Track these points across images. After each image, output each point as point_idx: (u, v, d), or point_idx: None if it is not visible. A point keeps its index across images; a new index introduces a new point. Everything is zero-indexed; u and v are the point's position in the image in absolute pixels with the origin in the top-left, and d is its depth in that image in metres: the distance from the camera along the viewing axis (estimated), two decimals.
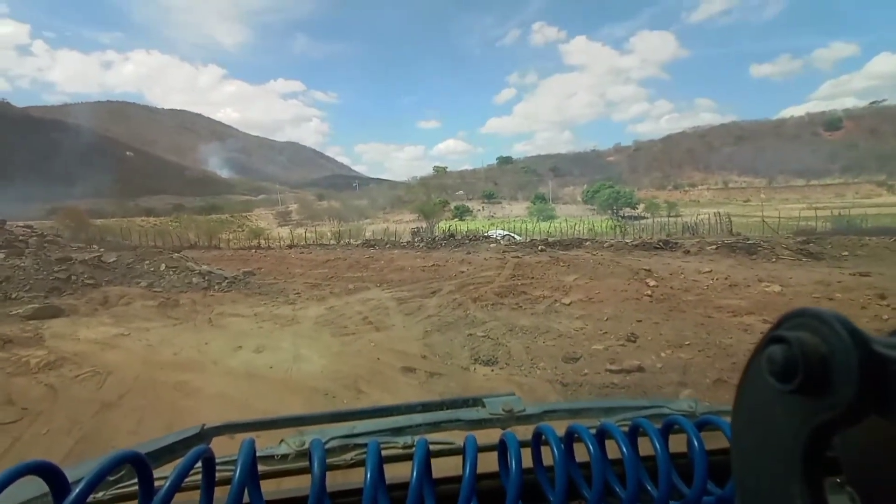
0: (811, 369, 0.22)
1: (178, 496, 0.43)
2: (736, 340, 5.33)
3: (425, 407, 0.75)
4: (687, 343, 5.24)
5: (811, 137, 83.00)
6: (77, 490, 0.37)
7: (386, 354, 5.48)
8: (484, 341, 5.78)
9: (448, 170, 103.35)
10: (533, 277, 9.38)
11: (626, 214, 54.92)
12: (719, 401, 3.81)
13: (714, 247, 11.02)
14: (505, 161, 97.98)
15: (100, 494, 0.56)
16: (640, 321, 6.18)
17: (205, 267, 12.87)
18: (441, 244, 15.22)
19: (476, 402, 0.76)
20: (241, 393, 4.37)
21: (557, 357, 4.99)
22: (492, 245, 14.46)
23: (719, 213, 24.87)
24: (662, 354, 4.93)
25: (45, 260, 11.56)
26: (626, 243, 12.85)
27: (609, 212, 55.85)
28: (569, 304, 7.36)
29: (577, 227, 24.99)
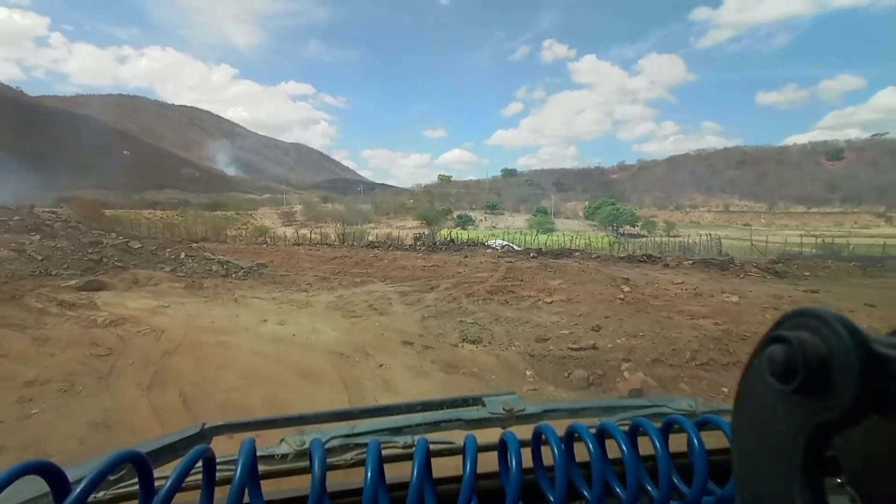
0: (811, 369, 0.22)
1: (179, 496, 0.44)
2: (683, 336, 6.40)
3: (425, 406, 0.76)
4: (641, 334, 6.31)
5: (813, 166, 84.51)
6: (78, 489, 0.38)
7: (389, 332, 6.56)
8: (472, 326, 6.85)
9: (452, 179, 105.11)
10: (522, 280, 10.47)
11: (625, 232, 55.97)
12: (658, 379, 5.02)
13: (691, 262, 12.11)
14: (509, 173, 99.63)
15: (100, 494, 0.56)
16: (608, 317, 7.25)
17: (221, 257, 13.99)
18: (441, 248, 16.35)
19: (476, 401, 0.76)
20: (271, 350, 5.44)
21: (531, 339, 6.07)
22: (488, 251, 15.60)
23: (710, 234, 26.00)
24: (618, 341, 6.00)
25: (80, 242, 12.71)
26: (613, 255, 13.96)
27: (609, 228, 56.92)
28: (550, 303, 8.44)
29: (574, 241, 26.10)
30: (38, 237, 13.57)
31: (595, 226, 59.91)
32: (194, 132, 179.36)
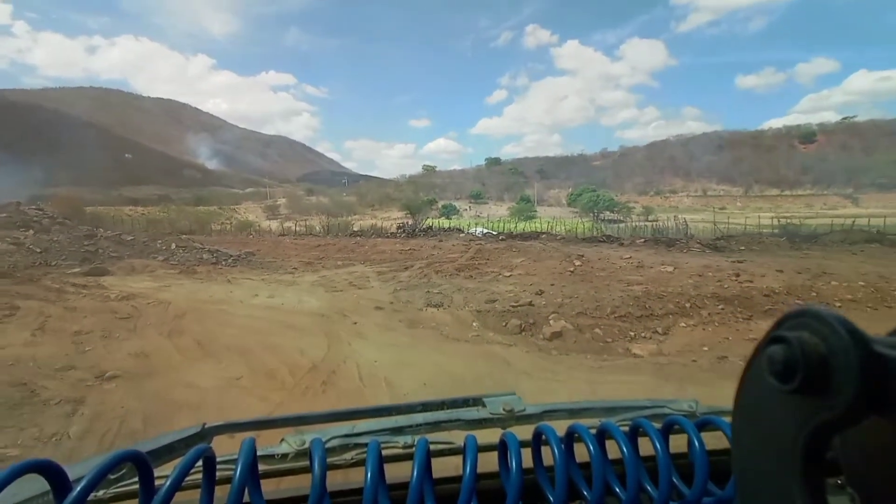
0: (811, 369, 0.22)
1: (179, 495, 0.44)
2: (612, 296, 7.69)
3: (425, 407, 0.76)
4: (576, 296, 7.59)
5: (787, 149, 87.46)
6: (78, 488, 0.38)
7: (364, 301, 7.72)
8: (437, 295, 8.04)
9: (437, 169, 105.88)
10: (488, 259, 11.69)
11: (605, 218, 57.65)
12: (576, 326, 6.57)
13: (643, 241, 13.49)
14: (493, 162, 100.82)
15: (100, 493, 0.56)
16: (553, 285, 8.52)
17: (210, 247, 14.89)
18: (419, 235, 17.50)
19: (476, 401, 0.77)
20: (263, 314, 6.56)
21: (483, 302, 7.29)
22: (461, 235, 16.82)
23: (677, 217, 27.62)
24: (554, 300, 7.27)
25: (75, 235, 13.50)
26: (577, 237, 15.29)
27: (591, 215, 58.56)
28: (508, 276, 9.68)
29: (552, 227, 27.45)
30: (31, 232, 14.27)
31: (577, 212, 61.52)
32: (172, 125, 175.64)
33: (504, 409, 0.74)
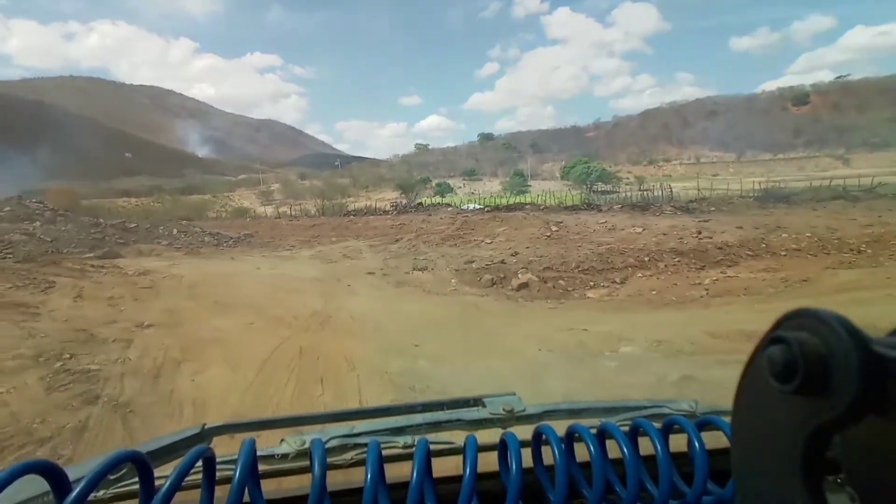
0: (811, 370, 0.22)
1: (179, 495, 0.44)
2: (579, 254, 8.58)
3: (425, 407, 0.77)
4: (546, 255, 8.49)
5: (780, 112, 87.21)
6: (78, 489, 0.38)
7: (357, 268, 8.60)
8: (422, 261, 8.92)
9: (430, 147, 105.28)
10: (473, 229, 12.54)
11: (598, 189, 58.05)
12: (541, 278, 7.68)
13: (620, 206, 14.31)
14: (486, 138, 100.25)
15: (100, 493, 0.57)
16: (528, 248, 9.41)
17: (210, 230, 15.66)
18: (410, 210, 18.27)
19: (476, 401, 0.78)
20: (267, 282, 7.43)
21: (462, 263, 8.18)
22: (449, 209, 17.59)
23: (662, 185, 28.40)
24: (527, 259, 8.16)
25: (82, 225, 14.23)
26: (559, 206, 16.10)
27: (584, 187, 58.96)
28: (490, 243, 10.56)
29: (543, 200, 28.19)
30: (38, 223, 14.99)
31: (570, 185, 61.91)
32: (158, 113, 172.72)
33: (504, 410, 0.75)
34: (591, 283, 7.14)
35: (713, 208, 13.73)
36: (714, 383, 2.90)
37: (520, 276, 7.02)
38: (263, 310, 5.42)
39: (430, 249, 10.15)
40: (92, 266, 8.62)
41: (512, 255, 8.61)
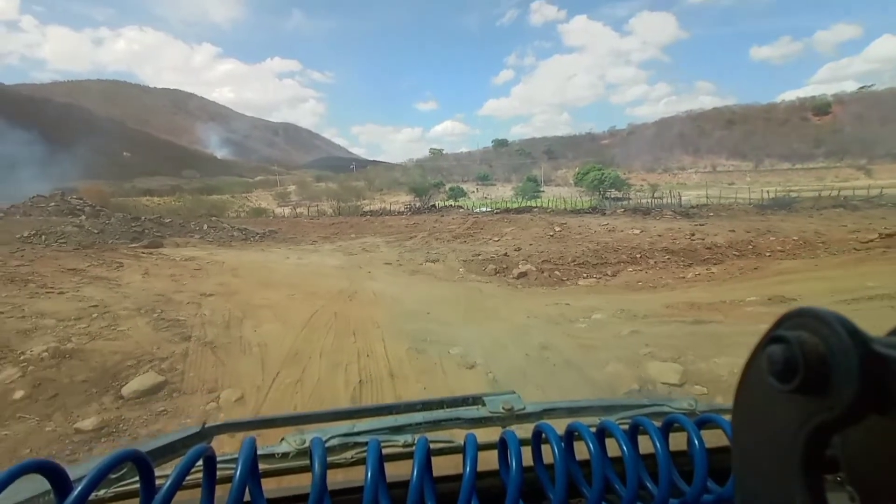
0: (811, 369, 0.22)
1: (180, 494, 0.45)
2: (577, 250, 9.49)
3: (425, 405, 0.78)
4: (546, 251, 9.41)
5: (799, 122, 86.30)
6: (79, 488, 0.39)
7: (375, 260, 9.64)
8: (434, 255, 9.93)
9: (444, 152, 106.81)
10: (482, 229, 13.52)
11: (611, 196, 58.38)
12: (539, 268, 8.94)
13: (622, 210, 15.11)
14: (500, 143, 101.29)
15: (101, 492, 0.57)
16: (531, 245, 10.34)
17: (238, 226, 16.94)
18: (424, 211, 19.33)
19: (476, 400, 0.79)
20: (298, 268, 8.51)
21: (469, 256, 9.16)
22: (461, 210, 18.59)
23: (672, 191, 28.99)
24: (528, 254, 9.10)
25: (124, 219, 15.63)
26: (565, 210, 16.96)
27: (597, 193, 59.38)
28: (497, 241, 11.51)
29: (554, 204, 29.03)
30: (83, 217, 16.47)
31: (583, 191, 62.33)
32: (180, 116, 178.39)
33: (504, 408, 0.75)
34: (585, 275, 8.04)
35: (712, 214, 14.46)
36: (653, 335, 3.82)
37: (520, 266, 7.97)
38: (299, 287, 6.49)
39: (442, 245, 11.15)
40: (143, 253, 9.86)
41: (515, 250, 9.56)
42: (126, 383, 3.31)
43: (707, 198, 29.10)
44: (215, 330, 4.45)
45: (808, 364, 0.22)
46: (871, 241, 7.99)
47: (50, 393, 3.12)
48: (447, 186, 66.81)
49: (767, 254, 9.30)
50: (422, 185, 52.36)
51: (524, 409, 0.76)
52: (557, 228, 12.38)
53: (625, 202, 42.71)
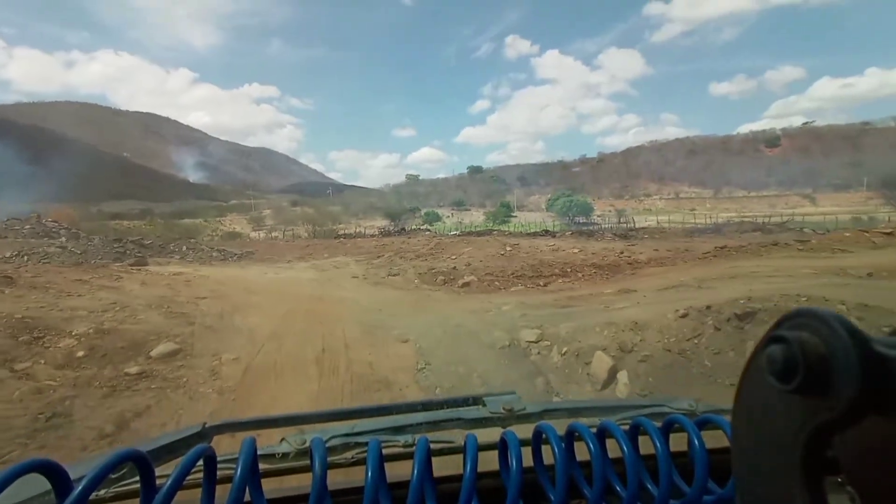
0: (811, 369, 0.22)
1: (180, 494, 0.45)
2: (518, 266, 11.22)
3: (426, 406, 0.78)
4: (492, 266, 11.11)
5: (753, 153, 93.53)
6: (79, 488, 0.39)
7: (344, 274, 11.13)
8: (396, 270, 11.49)
9: (421, 178, 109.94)
10: (443, 249, 15.18)
11: (580, 221, 61.53)
12: (480, 279, 10.90)
13: (570, 232, 17.13)
14: (475, 170, 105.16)
15: (102, 492, 0.58)
16: (482, 261, 12.04)
17: (216, 247, 18.08)
18: (394, 234, 20.95)
19: (476, 400, 0.79)
20: (275, 281, 9.90)
21: (425, 271, 10.77)
22: (427, 233, 20.30)
23: (626, 216, 31.77)
24: (475, 270, 10.77)
25: (106, 240, 16.59)
26: (522, 232, 18.90)
27: (566, 218, 62.47)
28: (454, 258, 13.17)
29: (515, 228, 31.23)
30: (64, 239, 17.31)
31: (553, 217, 65.34)
32: (152, 139, 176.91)
33: (504, 409, 0.76)
34: (519, 284, 9.73)
35: (647, 236, 16.62)
36: (533, 315, 5.48)
37: (465, 278, 9.61)
38: (277, 293, 7.91)
39: (405, 262, 12.73)
40: (132, 270, 11.04)
41: (466, 265, 11.23)
42: (153, 349, 4.69)
43: (669, 222, 31.97)
44: (212, 319, 5.85)
45: (808, 364, 0.22)
46: (708, 252, 10.07)
47: (101, 353, 4.48)
48: (423, 211, 68.97)
49: (674, 264, 11.27)
50: (397, 211, 54.27)
51: (524, 409, 0.78)
52: (509, 248, 14.17)
53: (592, 226, 45.65)
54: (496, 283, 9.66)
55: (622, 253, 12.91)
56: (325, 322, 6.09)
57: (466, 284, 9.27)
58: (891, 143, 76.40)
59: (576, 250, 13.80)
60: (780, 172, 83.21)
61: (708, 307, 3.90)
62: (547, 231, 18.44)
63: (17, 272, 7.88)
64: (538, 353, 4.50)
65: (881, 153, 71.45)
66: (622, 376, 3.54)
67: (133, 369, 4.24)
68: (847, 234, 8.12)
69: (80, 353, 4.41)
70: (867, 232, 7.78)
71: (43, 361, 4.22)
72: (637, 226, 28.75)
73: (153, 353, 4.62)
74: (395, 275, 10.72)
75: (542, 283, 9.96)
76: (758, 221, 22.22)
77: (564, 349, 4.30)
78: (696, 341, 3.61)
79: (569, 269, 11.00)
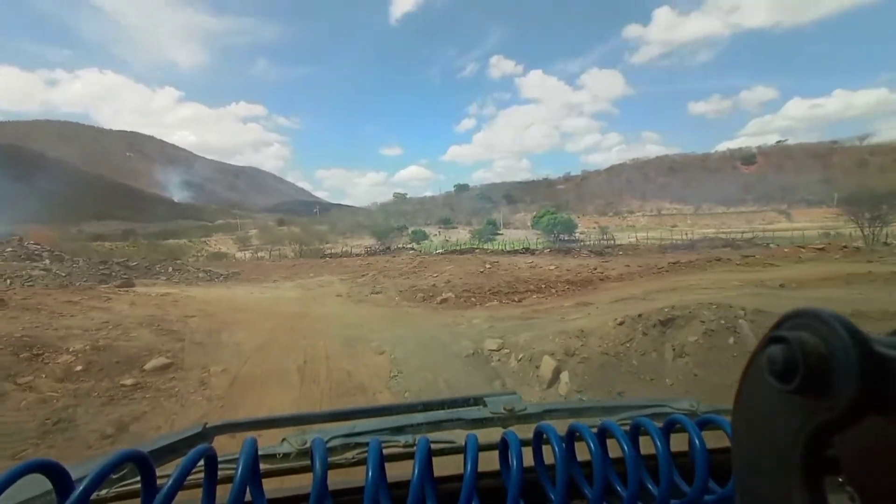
0: (811, 369, 0.22)
1: (181, 494, 0.45)
2: (494, 283, 11.81)
3: (426, 406, 0.78)
4: (469, 283, 11.68)
5: (731, 170, 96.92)
6: (80, 488, 0.39)
7: (328, 293, 11.57)
8: (379, 288, 11.97)
9: (408, 196, 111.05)
10: (426, 267, 15.73)
11: (564, 238, 62.77)
12: (458, 296, 11.59)
13: (548, 250, 17.87)
14: (462, 188, 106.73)
15: (103, 492, 0.58)
16: (461, 279, 12.60)
17: (202, 268, 18.34)
18: (379, 253, 21.46)
19: (477, 401, 0.80)
20: (262, 300, 10.31)
21: (406, 288, 11.28)
22: (411, 252, 20.87)
23: (606, 232, 32.85)
24: (454, 287, 11.32)
25: (91, 262, 16.75)
26: (503, 250, 19.59)
27: (551, 235, 63.69)
28: (435, 276, 13.72)
29: (499, 246, 32.08)
30: (48, 262, 17.41)
31: (539, 234, 66.52)
32: (136, 158, 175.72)
33: (505, 409, 0.76)
34: (495, 301, 10.30)
35: (621, 252, 17.44)
36: (498, 327, 6.04)
37: (443, 294, 10.15)
38: (262, 311, 8.34)
39: (388, 281, 13.23)
40: (120, 291, 11.35)
41: (446, 282, 11.78)
42: (146, 363, 5.11)
43: (647, 239, 33.10)
44: (201, 335, 6.27)
45: (808, 364, 0.22)
46: (662, 267, 10.84)
47: (97, 368, 4.88)
48: (410, 230, 69.64)
49: (641, 278, 11.98)
50: (384, 230, 54.83)
51: (525, 409, 0.78)
52: (488, 266, 14.79)
53: (575, 243, 46.84)
54: (472, 299, 10.21)
55: (595, 269, 13.62)
56: (308, 336, 6.55)
57: (444, 301, 9.80)
58: (856, 161, 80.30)
59: (552, 267, 14.48)
60: (757, 189, 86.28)
61: (640, 315, 4.52)
62: (527, 249, 19.17)
63: (6, 294, 8.19)
64: (498, 359, 5.04)
65: (848, 171, 74.99)
66: (564, 376, 4.11)
67: (128, 381, 4.65)
68: (786, 250, 8.90)
69: (78, 368, 4.81)
70: (803, 248, 8.58)
71: (44, 375, 4.61)
72: (617, 242, 29.78)
73: (146, 367, 5.04)
74: (377, 293, 11.21)
75: (516, 299, 10.54)
76: (730, 238, 23.34)
77: (521, 355, 4.86)
78: (627, 345, 4.21)
79: (543, 286, 11.62)
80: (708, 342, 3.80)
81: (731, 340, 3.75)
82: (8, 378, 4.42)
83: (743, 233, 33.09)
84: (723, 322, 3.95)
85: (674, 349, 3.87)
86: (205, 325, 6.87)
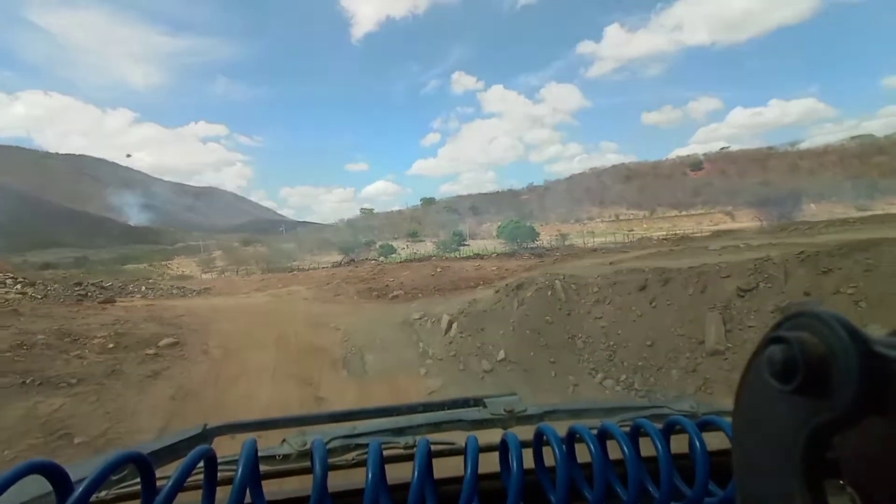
0: (811, 370, 0.22)
1: (181, 496, 0.46)
2: (441, 282, 14.07)
3: (426, 407, 0.80)
4: (419, 283, 13.89)
5: (681, 176, 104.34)
6: (80, 489, 0.40)
7: (296, 298, 13.49)
8: (341, 292, 13.99)
9: (375, 211, 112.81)
10: (386, 273, 17.81)
11: (527, 246, 65.88)
12: (407, 291, 13.99)
13: (496, 255, 20.34)
14: (428, 202, 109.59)
15: (102, 493, 0.59)
16: (413, 280, 14.79)
17: (175, 285, 19.68)
18: (344, 265, 23.36)
19: (477, 402, 0.81)
20: (235, 308, 12.12)
21: (364, 290, 13.38)
22: (372, 262, 22.93)
23: (563, 236, 35.92)
24: (405, 286, 13.51)
25: (66, 284, 17.85)
26: (457, 257, 21.96)
27: (515, 244, 66.77)
28: (392, 280, 15.84)
29: (457, 255, 34.63)
30: (19, 286, 18.36)
31: (503, 243, 69.50)
32: (86, 182, 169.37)
33: (505, 410, 0.77)
34: (437, 295, 12.53)
35: (559, 254, 20.11)
36: (428, 307, 8.26)
37: (395, 292, 12.31)
38: (241, 311, 10.24)
39: (348, 286, 15.24)
40: (106, 306, 12.89)
41: (399, 284, 13.95)
42: (159, 342, 6.99)
43: (584, 242, 36.27)
44: (196, 326, 8.17)
45: (808, 365, 0.23)
46: (566, 258, 13.45)
47: (124, 345, 6.74)
48: (378, 244, 71.34)
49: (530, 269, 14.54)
50: (352, 244, 56.42)
51: (525, 411, 0.78)
52: (439, 270, 17.05)
53: (537, 250, 49.97)
54: (419, 294, 12.41)
55: (530, 269, 16.11)
56: (281, 324, 8.57)
57: (395, 297, 11.95)
58: (788, 165, 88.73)
59: (493, 268, 16.89)
60: (705, 193, 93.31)
61: (507, 285, 6.84)
62: (477, 255, 21.59)
63: (19, 306, 9.74)
64: (420, 324, 7.26)
65: (782, 174, 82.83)
66: (454, 326, 6.36)
67: (150, 351, 6.56)
68: (654, 241, 11.52)
69: (111, 346, 6.67)
70: (667, 238, 11.19)
71: (87, 350, 6.45)
72: (566, 244, 32.88)
73: (160, 344, 6.94)
74: (339, 294, 13.23)
75: (456, 293, 12.83)
76: (669, 236, 26.61)
77: (433, 319, 7.10)
78: (497, 304, 6.51)
79: (481, 282, 13.97)
80: (537, 294, 6.14)
81: (549, 293, 6.10)
82: (63, 352, 6.24)
83: (692, 232, 36.88)
84: (546, 283, 6.32)
85: (517, 301, 6.19)
86: (196, 321, 8.74)
